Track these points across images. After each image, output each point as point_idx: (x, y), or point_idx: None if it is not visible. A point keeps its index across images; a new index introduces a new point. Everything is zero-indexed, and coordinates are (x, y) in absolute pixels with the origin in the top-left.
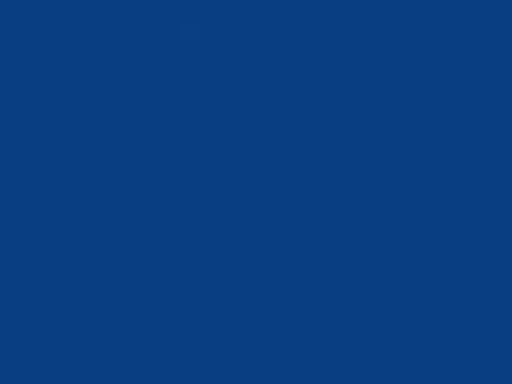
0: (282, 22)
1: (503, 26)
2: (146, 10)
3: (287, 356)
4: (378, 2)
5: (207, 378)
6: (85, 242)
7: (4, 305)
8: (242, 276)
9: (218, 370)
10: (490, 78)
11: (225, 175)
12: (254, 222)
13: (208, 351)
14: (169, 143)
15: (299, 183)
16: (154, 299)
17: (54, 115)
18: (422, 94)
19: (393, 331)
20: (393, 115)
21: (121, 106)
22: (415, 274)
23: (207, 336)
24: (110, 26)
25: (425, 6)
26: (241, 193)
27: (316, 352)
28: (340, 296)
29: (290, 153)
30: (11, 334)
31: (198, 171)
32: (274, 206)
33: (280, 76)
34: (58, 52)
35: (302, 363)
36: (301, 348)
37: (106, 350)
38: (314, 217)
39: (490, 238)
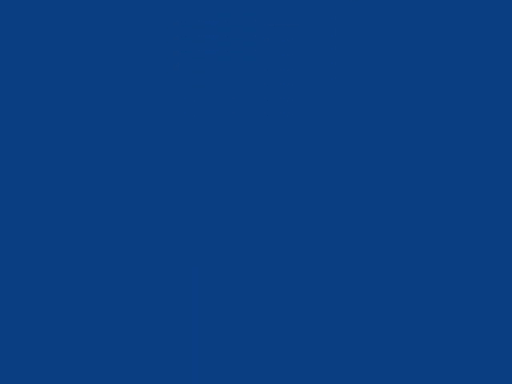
0: (281, 22)
1: (503, 26)
2: (145, 10)
3: (286, 356)
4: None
5: (207, 377)
6: (84, 242)
7: (4, 305)
8: (242, 276)
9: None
10: (489, 78)
11: (224, 175)
12: (253, 221)
13: (207, 351)
14: (168, 143)
15: (299, 184)
16: (154, 299)
17: (54, 115)
18: (422, 95)
19: (393, 331)
20: (392, 116)
21: (120, 106)
22: (415, 275)
23: (207, 336)
24: (109, 26)
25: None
26: (240, 192)
27: (316, 352)
28: (340, 296)
29: (289, 153)
30: (11, 333)
31: (198, 171)
32: (273, 207)
33: (279, 76)
34: (57, 51)
35: (301, 363)
36: (300, 348)
37: (106, 349)
38: (313, 218)
39: (490, 238)
